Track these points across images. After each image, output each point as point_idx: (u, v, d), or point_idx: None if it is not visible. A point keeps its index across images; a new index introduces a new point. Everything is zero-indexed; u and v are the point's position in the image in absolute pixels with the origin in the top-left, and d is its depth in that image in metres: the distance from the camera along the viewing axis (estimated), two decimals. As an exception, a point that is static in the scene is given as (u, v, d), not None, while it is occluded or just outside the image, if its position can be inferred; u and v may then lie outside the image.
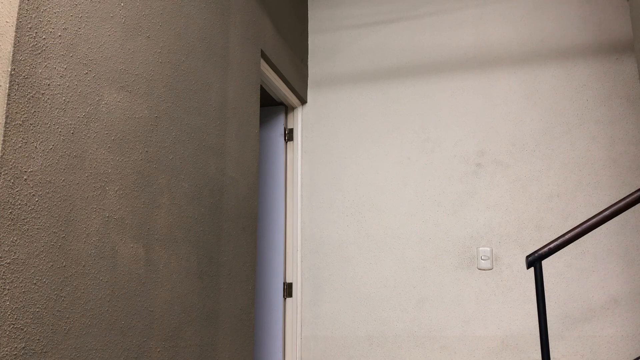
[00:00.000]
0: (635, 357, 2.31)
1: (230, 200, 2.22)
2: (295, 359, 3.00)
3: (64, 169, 1.39)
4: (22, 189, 1.26)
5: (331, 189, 3.16)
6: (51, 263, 1.32)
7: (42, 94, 1.33)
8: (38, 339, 1.27)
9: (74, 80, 1.43)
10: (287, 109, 3.32)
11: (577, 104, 2.89)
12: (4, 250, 1.20)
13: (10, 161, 1.23)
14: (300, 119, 3.32)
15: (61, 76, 1.39)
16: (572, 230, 1.99)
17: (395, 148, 3.13)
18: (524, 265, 2.77)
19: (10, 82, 1.24)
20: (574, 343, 2.67)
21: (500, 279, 2.83)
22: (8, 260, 1.21)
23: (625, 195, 2.09)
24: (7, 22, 1.26)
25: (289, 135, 3.29)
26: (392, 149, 3.13)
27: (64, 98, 1.40)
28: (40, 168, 1.31)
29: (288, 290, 3.09)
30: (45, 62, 1.34)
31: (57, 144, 1.37)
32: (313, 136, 3.28)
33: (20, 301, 1.23)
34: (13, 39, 1.25)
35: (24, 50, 1.28)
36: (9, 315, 1.20)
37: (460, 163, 3.01)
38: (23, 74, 1.28)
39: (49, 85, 1.35)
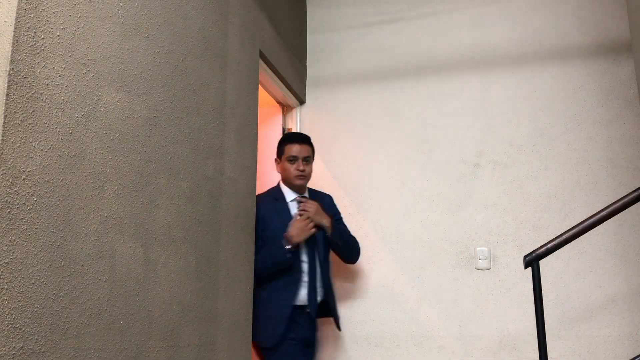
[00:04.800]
0: (632, 357, 2.32)
1: (228, 200, 2.22)
2: (293, 358, 3.00)
3: (63, 169, 1.39)
4: (20, 189, 1.26)
5: (329, 189, 3.17)
6: (49, 263, 1.32)
7: (41, 93, 1.33)
8: (36, 339, 1.27)
9: (73, 80, 1.43)
10: (286, 109, 3.32)
11: (574, 105, 2.90)
12: (2, 250, 1.20)
13: (8, 161, 1.23)
14: (298, 119, 3.32)
15: (60, 76, 1.39)
16: (570, 230, 1.99)
17: (394, 148, 3.13)
18: (522, 265, 2.77)
19: (9, 81, 1.24)
20: (571, 343, 2.68)
21: (497, 279, 2.84)
22: (6, 260, 1.21)
23: (622, 196, 2.10)
24: (5, 21, 1.26)
25: (287, 136, 3.29)
26: (390, 149, 3.14)
27: (62, 98, 1.40)
28: (39, 168, 1.31)
29: (286, 290, 3.09)
30: (44, 61, 1.34)
31: (56, 144, 1.37)
32: (311, 136, 3.27)
33: (19, 301, 1.23)
34: (11, 38, 1.25)
35: (22, 50, 1.28)
36: (7, 314, 1.20)
37: (458, 163, 3.01)
38: (21, 74, 1.28)
39: (47, 85, 1.35)
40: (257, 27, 2.63)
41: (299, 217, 2.47)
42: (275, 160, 2.69)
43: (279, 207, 2.57)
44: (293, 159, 2.58)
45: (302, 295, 2.48)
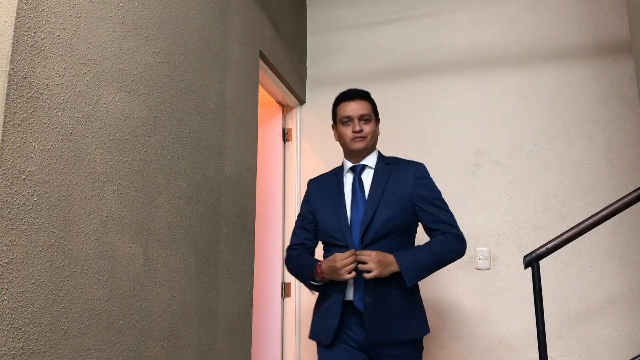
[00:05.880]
0: (632, 357, 2.32)
1: (228, 200, 2.22)
2: (293, 359, 3.00)
3: (63, 169, 1.39)
4: (20, 189, 1.26)
5: (329, 189, 3.17)
6: (50, 263, 1.32)
7: (41, 93, 1.33)
8: (36, 339, 1.27)
9: (73, 80, 1.43)
10: (286, 109, 3.32)
11: (574, 105, 2.90)
12: (2, 250, 1.20)
13: (8, 161, 1.23)
14: (298, 119, 3.32)
15: (60, 76, 1.39)
16: (570, 230, 1.99)
17: (394, 148, 3.13)
18: (522, 265, 2.78)
19: (9, 81, 1.24)
20: (571, 343, 2.68)
21: (497, 279, 2.84)
22: (6, 260, 1.21)
23: (622, 196, 2.10)
24: (5, 21, 1.26)
25: (287, 136, 3.29)
26: (390, 150, 3.13)
27: (62, 98, 1.40)
28: (39, 168, 1.31)
29: (286, 290, 3.09)
30: (44, 62, 1.34)
31: (56, 144, 1.37)
32: (311, 136, 3.28)
33: (19, 301, 1.23)
34: (12, 38, 1.25)
35: (22, 50, 1.28)
36: (7, 314, 1.20)
37: (458, 163, 3.01)
38: (21, 74, 1.28)
39: (47, 85, 1.35)
40: (257, 27, 2.63)
41: (339, 255, 1.89)
42: (332, 127, 2.20)
43: (332, 184, 2.11)
44: (347, 120, 2.06)
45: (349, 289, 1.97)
